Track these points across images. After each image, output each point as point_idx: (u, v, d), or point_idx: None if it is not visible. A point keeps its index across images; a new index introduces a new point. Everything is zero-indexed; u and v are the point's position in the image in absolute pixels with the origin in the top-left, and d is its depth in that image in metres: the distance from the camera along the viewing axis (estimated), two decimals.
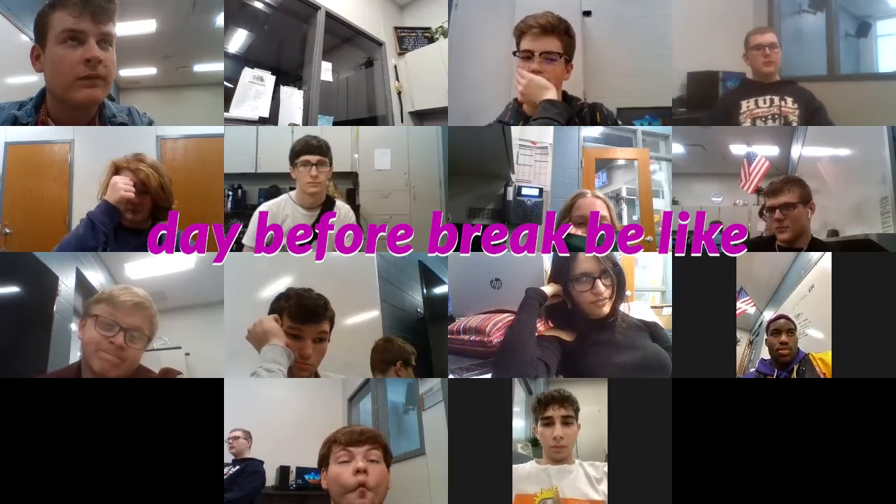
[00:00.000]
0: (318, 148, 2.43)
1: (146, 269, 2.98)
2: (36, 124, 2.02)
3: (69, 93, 1.95)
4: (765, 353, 2.47)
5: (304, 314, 1.90)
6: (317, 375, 1.97)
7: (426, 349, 2.75)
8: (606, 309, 2.00)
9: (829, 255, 2.30)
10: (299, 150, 2.43)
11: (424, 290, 3.15)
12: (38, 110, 2.03)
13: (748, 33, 2.88)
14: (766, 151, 4.29)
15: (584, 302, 2.00)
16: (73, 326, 2.98)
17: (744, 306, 2.89)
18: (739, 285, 2.42)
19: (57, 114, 2.02)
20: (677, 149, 4.49)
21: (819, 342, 2.32)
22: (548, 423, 2.07)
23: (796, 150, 4.50)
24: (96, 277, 3.16)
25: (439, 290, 3.14)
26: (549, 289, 2.05)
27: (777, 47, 2.84)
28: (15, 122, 2.02)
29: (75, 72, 1.91)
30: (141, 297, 1.80)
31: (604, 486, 2.05)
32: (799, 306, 2.62)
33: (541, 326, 2.05)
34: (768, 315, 2.66)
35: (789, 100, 2.80)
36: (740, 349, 2.59)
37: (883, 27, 3.31)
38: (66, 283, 2.91)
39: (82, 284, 3.03)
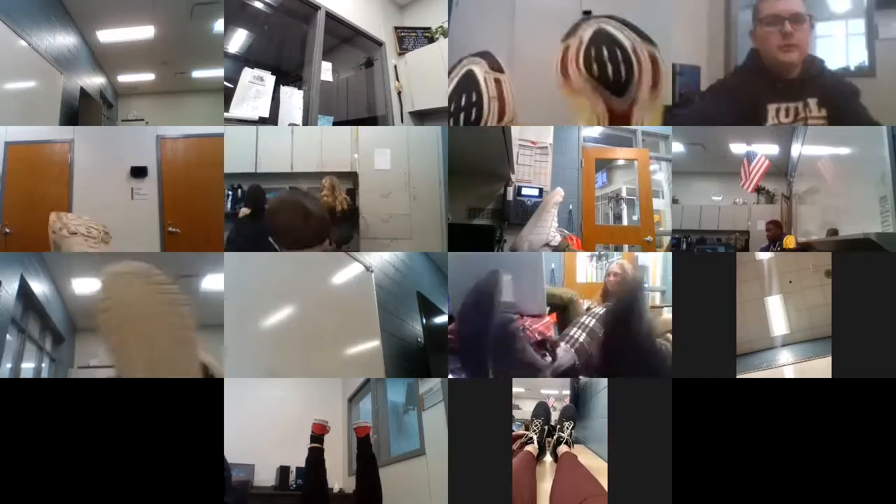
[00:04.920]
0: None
1: (91, 286, 2.95)
2: None
3: None
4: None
5: None
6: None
7: (427, 377, 2.79)
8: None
9: None
10: None
11: (424, 320, 3.16)
12: None
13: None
14: (766, 150, 4.30)
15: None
16: (9, 336, 2.94)
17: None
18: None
19: None
20: (677, 147, 4.50)
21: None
22: None
23: (796, 149, 4.50)
24: (41, 288, 3.13)
25: (439, 319, 3.17)
26: None
27: (804, 21, 2.14)
28: None
29: None
30: None
31: None
32: None
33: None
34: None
35: (812, 102, 2.22)
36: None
37: (822, 29, 3.26)
38: (8, 290, 2.85)
39: (24, 292, 2.97)
